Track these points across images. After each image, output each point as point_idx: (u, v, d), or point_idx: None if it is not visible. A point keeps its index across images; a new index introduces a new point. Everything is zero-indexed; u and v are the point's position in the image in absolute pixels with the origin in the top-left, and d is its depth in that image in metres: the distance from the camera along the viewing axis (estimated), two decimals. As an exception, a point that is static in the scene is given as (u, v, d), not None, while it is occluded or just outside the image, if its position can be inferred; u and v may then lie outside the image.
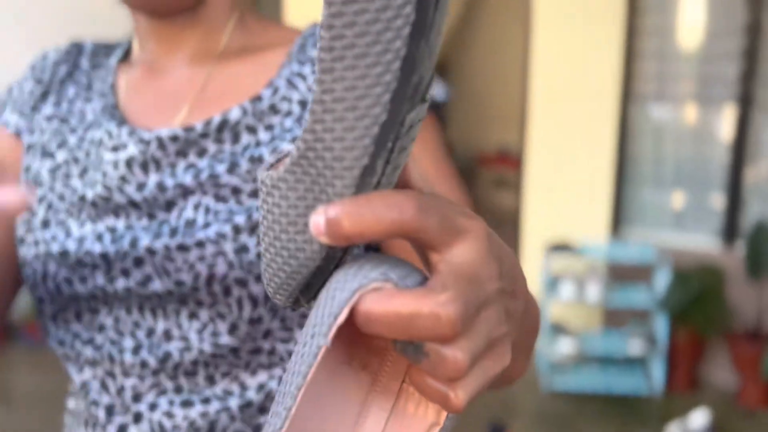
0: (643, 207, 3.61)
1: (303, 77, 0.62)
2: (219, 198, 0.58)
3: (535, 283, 3.75)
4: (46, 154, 0.65)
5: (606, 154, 3.54)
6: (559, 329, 3.37)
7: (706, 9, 3.35)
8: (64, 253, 0.60)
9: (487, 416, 3.00)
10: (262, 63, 0.64)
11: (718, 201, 3.43)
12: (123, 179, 0.60)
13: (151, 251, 0.57)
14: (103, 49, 0.73)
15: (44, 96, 0.69)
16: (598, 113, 3.52)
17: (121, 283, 0.58)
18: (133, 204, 0.59)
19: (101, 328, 0.61)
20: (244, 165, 0.58)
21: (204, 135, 0.60)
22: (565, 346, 3.23)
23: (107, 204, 0.60)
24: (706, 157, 3.44)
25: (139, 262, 0.58)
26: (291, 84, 0.61)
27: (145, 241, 0.58)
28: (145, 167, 0.60)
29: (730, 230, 3.36)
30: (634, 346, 3.22)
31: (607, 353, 3.22)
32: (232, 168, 0.58)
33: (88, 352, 0.61)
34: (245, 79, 0.63)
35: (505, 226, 6.03)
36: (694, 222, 3.51)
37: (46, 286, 0.61)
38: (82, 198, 0.61)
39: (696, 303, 3.15)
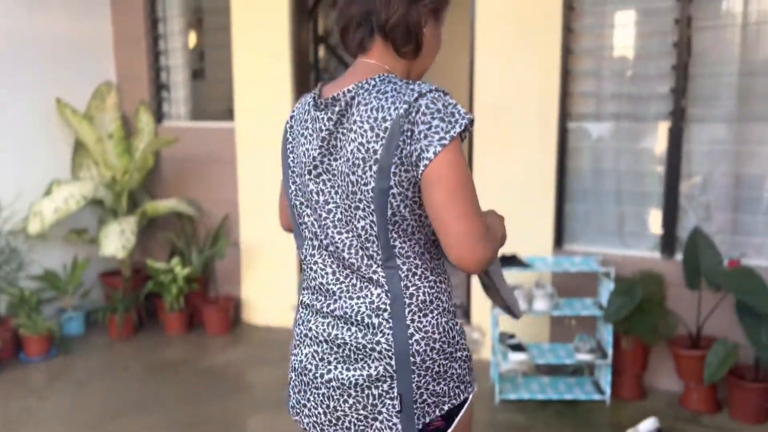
0: (586, 222, 3.73)
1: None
2: None
3: (483, 298, 3.81)
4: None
5: (548, 171, 3.66)
6: (509, 341, 3.43)
7: (636, 30, 3.52)
8: None
9: (441, 430, 3.02)
10: None
11: (656, 214, 3.57)
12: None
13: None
14: None
15: None
16: (540, 132, 3.64)
17: None
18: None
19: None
20: None
21: None
22: (515, 357, 3.29)
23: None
24: (643, 172, 3.58)
25: None
26: None
27: None
28: None
29: (668, 242, 3.50)
30: (582, 356, 3.30)
31: (556, 363, 3.28)
32: None
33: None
34: None
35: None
36: (634, 235, 3.63)
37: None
38: None
39: (638, 311, 3.25)
